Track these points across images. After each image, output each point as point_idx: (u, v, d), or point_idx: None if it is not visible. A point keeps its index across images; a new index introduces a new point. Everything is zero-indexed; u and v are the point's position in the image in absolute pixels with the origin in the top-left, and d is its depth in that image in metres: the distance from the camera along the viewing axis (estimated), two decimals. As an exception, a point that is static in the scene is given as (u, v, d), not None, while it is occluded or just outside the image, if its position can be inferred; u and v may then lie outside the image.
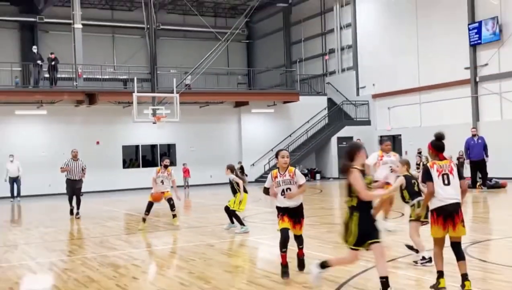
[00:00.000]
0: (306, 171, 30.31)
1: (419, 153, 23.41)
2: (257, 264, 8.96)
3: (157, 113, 24.00)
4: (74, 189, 15.57)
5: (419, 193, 7.73)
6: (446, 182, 6.19)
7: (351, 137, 29.63)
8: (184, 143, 29.75)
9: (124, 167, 28.93)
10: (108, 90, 28.27)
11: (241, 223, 11.48)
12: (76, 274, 8.06)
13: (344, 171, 5.89)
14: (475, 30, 24.71)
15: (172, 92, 23.66)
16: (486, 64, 24.70)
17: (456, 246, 6.17)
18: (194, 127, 29.64)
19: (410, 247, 7.86)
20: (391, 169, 10.40)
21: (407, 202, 7.88)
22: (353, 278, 7.05)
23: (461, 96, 25.58)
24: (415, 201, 7.74)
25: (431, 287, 6.33)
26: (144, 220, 12.67)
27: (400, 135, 29.01)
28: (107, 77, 32.20)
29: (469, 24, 24.94)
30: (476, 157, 19.46)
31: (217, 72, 32.89)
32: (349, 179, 5.79)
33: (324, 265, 6.32)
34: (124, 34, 35.52)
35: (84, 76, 27.93)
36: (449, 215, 6.12)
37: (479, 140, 19.80)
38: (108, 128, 28.13)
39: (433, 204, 6.21)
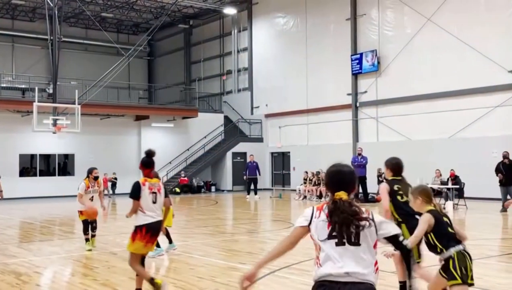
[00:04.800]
0: (202, 183, 30.33)
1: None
2: (161, 271, 8.81)
3: (58, 123, 22.96)
4: None
5: (455, 238, 4.75)
6: (154, 200, 6.32)
7: (245, 153, 30.08)
8: (83, 153, 28.56)
9: (20, 175, 27.32)
10: (6, 99, 26.67)
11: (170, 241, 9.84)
12: (-24, 283, 7.50)
13: None
14: (357, 61, 26.12)
15: (73, 103, 22.75)
16: (365, 92, 26.14)
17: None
18: (95, 139, 28.63)
19: None
20: None
21: (439, 253, 4.78)
22: None
23: (343, 119, 26.85)
24: (453, 252, 4.68)
25: None
26: (87, 240, 10.38)
27: (289, 152, 29.91)
28: (5, 85, 30.37)
29: (351, 55, 26.32)
30: (358, 173, 20.37)
31: (118, 86, 32.09)
32: None
33: None
34: (25, 44, 33.69)
35: (-19, 83, 26.21)
36: (155, 232, 6.26)
37: (362, 160, 20.94)
38: (5, 137, 26.44)
39: (142, 220, 6.17)
